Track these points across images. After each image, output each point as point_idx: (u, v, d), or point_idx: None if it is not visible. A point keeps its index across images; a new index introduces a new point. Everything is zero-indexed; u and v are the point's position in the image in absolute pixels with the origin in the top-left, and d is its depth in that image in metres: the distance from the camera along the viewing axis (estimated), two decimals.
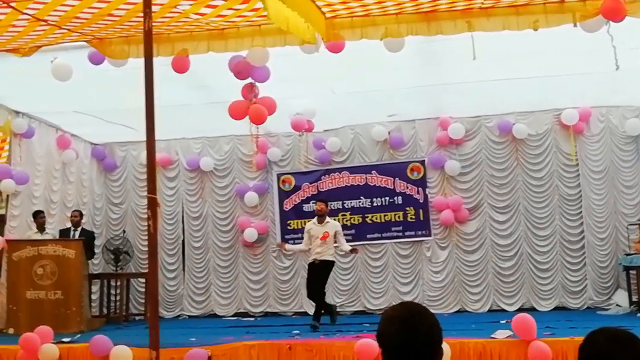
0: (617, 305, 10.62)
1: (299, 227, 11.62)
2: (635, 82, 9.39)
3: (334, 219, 10.33)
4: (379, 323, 2.37)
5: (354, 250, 9.82)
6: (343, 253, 11.94)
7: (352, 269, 12.05)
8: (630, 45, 7.04)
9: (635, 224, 10.45)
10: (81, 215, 11.22)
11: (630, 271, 10.46)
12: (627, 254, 10.51)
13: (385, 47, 7.02)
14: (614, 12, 6.22)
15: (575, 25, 6.47)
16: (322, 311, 9.31)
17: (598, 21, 6.37)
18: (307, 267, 9.79)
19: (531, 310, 10.61)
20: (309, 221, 10.04)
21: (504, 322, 8.26)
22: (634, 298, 10.37)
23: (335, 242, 9.48)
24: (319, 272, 9.41)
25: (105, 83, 8.47)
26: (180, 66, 7.30)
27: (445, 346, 2.40)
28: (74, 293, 9.37)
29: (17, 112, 10.52)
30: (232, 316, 12.13)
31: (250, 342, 7.12)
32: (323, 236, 9.34)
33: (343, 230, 11.95)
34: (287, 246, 10.59)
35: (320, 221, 9.54)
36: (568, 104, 11.18)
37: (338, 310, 11.47)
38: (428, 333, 2.30)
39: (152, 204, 4.54)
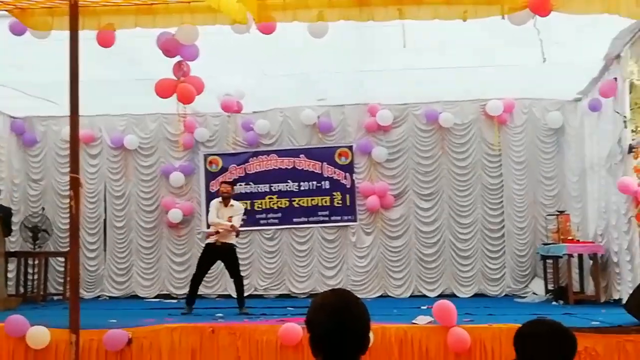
0: (534, 293, 10.95)
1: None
2: (558, 76, 9.66)
3: (242, 202, 10.05)
4: (308, 310, 2.38)
5: (233, 227, 9.16)
6: (269, 236, 12.01)
7: (277, 252, 12.04)
8: (555, 39, 7.20)
9: (553, 215, 10.77)
10: None
11: (547, 260, 10.80)
12: (545, 244, 10.85)
13: (309, 32, 6.98)
14: (540, 6, 6.36)
15: (503, 18, 6.59)
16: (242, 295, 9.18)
17: (525, 14, 6.49)
18: (205, 246, 9.32)
19: (451, 296, 10.83)
20: (219, 202, 9.36)
21: (424, 307, 8.42)
22: (550, 286, 10.72)
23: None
24: (223, 258, 9.20)
25: (27, 55, 8.15)
26: (106, 40, 7.07)
27: None
28: None
29: None
30: (154, 298, 11.95)
31: (172, 324, 7.01)
32: (228, 220, 9.06)
33: (269, 214, 12.00)
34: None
35: (225, 203, 9.27)
36: (494, 94, 11.41)
37: (262, 293, 11.55)
38: (358, 322, 2.34)
39: (75, 184, 4.40)
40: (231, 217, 9.13)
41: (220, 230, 9.10)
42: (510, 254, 11.52)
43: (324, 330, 2.30)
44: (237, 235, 9.36)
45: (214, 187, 12.02)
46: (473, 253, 11.64)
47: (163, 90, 7.64)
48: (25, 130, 12.56)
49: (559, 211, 10.70)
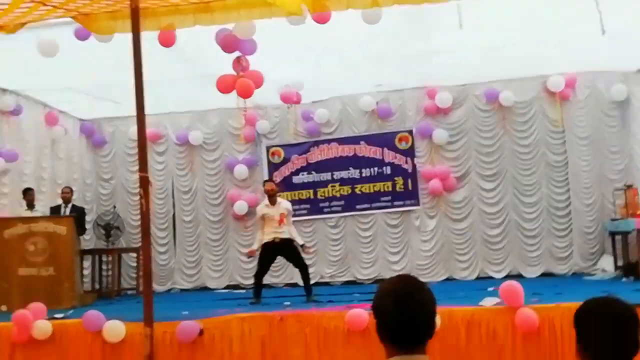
0: (603, 270, 10.75)
1: (290, 199, 11.65)
2: (621, 47, 9.41)
3: (285, 198, 10.18)
4: (375, 296, 2.42)
5: (305, 248, 9.43)
6: (332, 223, 12.12)
7: (342, 239, 12.14)
8: (614, 10, 7.05)
9: (621, 189, 10.54)
10: (72, 191, 11.21)
11: (616, 236, 10.60)
12: (613, 220, 10.63)
13: (362, 19, 6.99)
14: None
15: None
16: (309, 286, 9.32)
17: None
18: (264, 246, 9.28)
19: (518, 277, 10.72)
20: (265, 205, 9.43)
21: (491, 289, 8.34)
22: (619, 263, 10.51)
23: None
24: (283, 253, 9.34)
25: (92, 59, 8.41)
26: (167, 40, 7.25)
27: None
28: (65, 269, 9.39)
29: (4, 90, 10.49)
30: (224, 289, 12.22)
31: (242, 314, 7.15)
32: (280, 220, 9.15)
33: (332, 201, 12.09)
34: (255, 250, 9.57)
35: (272, 202, 9.32)
36: (554, 70, 11.20)
37: (328, 281, 11.66)
38: (424, 308, 2.37)
39: (144, 183, 4.56)
40: (283, 213, 9.21)
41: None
42: (577, 231, 11.32)
43: (390, 316, 2.34)
44: (303, 249, 9.44)
45: (277, 177, 12.14)
46: (539, 232, 11.49)
47: (224, 86, 7.79)
48: (95, 131, 12.99)
49: (626, 185, 10.46)
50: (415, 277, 2.48)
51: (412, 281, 2.43)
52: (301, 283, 9.52)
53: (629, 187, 10.32)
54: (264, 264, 9.38)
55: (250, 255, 9.71)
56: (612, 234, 10.65)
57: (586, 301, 2.70)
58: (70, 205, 10.96)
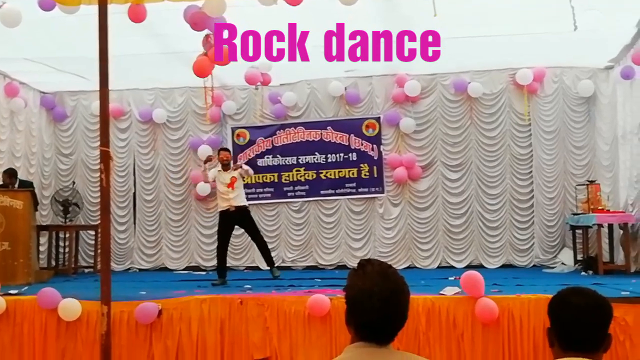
0: (563, 263, 10.88)
1: (253, 182, 11.62)
2: (590, 43, 9.47)
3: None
4: (354, 292, 2.37)
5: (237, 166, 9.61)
6: (296, 208, 12.06)
7: (305, 224, 12.08)
8: (587, 6, 7.07)
9: (583, 184, 10.65)
10: (12, 176, 10.35)
11: (576, 230, 10.72)
12: (574, 214, 10.75)
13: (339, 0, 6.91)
14: None
15: None
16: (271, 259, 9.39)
17: None
18: (220, 215, 9.60)
19: (479, 267, 10.82)
20: (218, 170, 9.69)
21: (452, 278, 8.38)
22: (579, 257, 10.65)
23: (244, 178, 9.61)
24: (240, 222, 9.49)
25: (56, 30, 8.18)
26: (137, 15, 7.09)
27: None
28: (21, 244, 9.19)
29: None
30: (183, 270, 12.10)
31: (202, 296, 7.08)
32: (230, 183, 9.33)
33: (297, 186, 12.06)
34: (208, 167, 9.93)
35: (225, 169, 9.51)
36: (523, 63, 11.26)
37: (290, 265, 11.65)
38: (406, 308, 2.38)
39: (105, 157, 4.44)
40: (234, 177, 9.36)
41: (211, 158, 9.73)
42: (539, 224, 11.43)
43: (375, 319, 2.31)
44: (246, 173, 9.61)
45: (241, 159, 12.00)
46: (501, 224, 11.57)
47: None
48: (56, 105, 12.70)
49: (589, 181, 10.57)
50: (396, 272, 2.41)
51: (397, 280, 2.37)
52: (262, 266, 9.48)
53: (592, 182, 10.43)
54: (223, 233, 9.45)
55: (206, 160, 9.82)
56: (573, 228, 10.76)
57: (562, 291, 2.74)
58: (17, 182, 10.42)
